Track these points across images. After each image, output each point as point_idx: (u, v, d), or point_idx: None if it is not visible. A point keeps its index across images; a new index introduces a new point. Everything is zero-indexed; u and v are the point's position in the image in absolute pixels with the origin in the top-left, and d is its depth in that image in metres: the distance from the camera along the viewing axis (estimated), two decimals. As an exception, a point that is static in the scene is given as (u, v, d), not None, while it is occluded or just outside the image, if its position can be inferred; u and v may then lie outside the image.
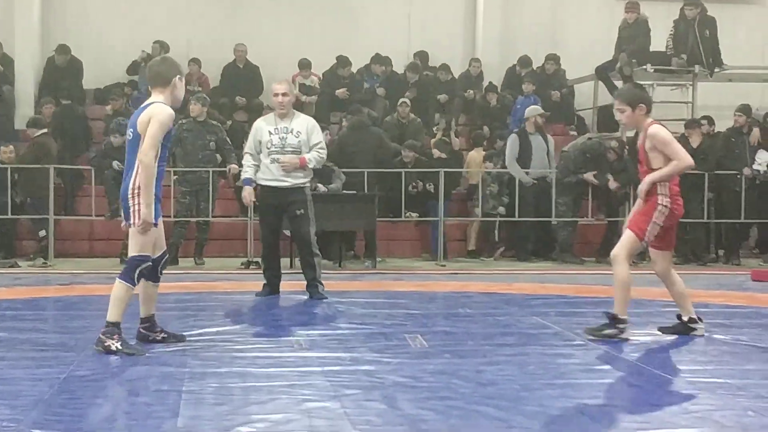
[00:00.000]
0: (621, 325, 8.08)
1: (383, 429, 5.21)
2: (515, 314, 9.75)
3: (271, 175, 10.63)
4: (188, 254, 15.32)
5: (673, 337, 8.32)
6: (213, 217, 15.49)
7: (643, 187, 8.08)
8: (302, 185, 10.71)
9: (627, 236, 8.12)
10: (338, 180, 15.10)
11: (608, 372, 7.09)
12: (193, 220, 15.16)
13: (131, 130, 7.53)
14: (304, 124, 10.71)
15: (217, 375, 6.59)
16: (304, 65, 19.20)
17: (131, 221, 7.42)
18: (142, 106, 7.66)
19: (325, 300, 10.53)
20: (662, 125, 8.24)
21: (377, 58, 19.66)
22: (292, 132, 10.60)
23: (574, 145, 16.43)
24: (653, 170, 8.02)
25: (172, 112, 7.51)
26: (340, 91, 18.92)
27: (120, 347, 7.32)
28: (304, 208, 10.68)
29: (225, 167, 15.24)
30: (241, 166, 11.80)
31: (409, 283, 12.75)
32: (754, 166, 16.01)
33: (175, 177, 14.98)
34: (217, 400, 5.84)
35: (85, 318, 9.32)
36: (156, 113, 7.38)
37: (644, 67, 18.41)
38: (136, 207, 7.37)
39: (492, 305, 10.53)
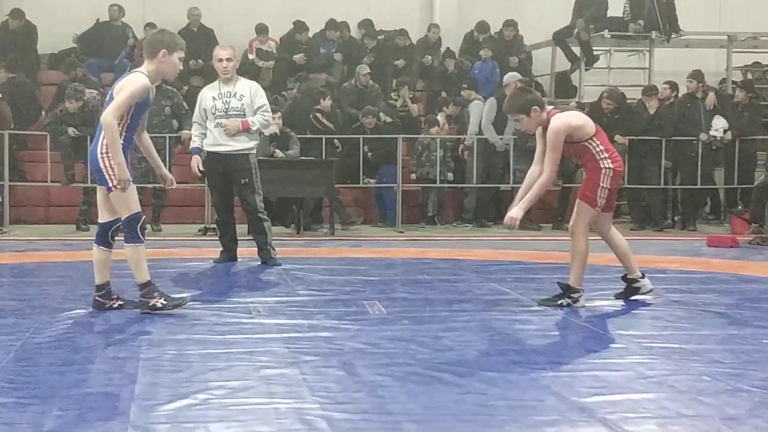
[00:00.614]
0: (575, 295, 8.11)
1: (342, 395, 5.22)
2: (473, 280, 9.78)
3: (215, 140, 10.59)
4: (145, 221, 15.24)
5: (630, 302, 8.37)
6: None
7: (515, 215, 7.95)
8: (246, 151, 10.66)
9: (580, 207, 8.10)
10: (295, 146, 15.05)
11: (565, 338, 7.13)
12: (150, 186, 15.07)
13: (111, 92, 7.57)
14: (247, 88, 10.68)
15: (175, 342, 6.57)
16: (261, 30, 19.07)
17: (108, 185, 7.43)
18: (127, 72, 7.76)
19: (280, 266, 10.52)
20: (563, 117, 7.99)
21: (331, 24, 19.58)
22: (235, 96, 10.57)
23: None
24: (586, 149, 8.01)
25: (146, 83, 7.43)
26: (298, 57, 18.82)
27: (165, 302, 7.53)
28: (248, 177, 10.65)
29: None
30: None
31: (367, 250, 12.75)
32: (711, 132, 16.07)
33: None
34: (175, 367, 5.82)
35: (42, 285, 9.28)
36: (131, 81, 7.41)
37: (601, 33, 18.47)
38: (109, 170, 7.38)
39: (450, 271, 10.56)
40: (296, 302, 8.26)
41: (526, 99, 8.06)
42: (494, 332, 7.05)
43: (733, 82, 18.32)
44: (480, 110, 16.53)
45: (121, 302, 7.80)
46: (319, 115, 15.94)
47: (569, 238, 8.19)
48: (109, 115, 7.30)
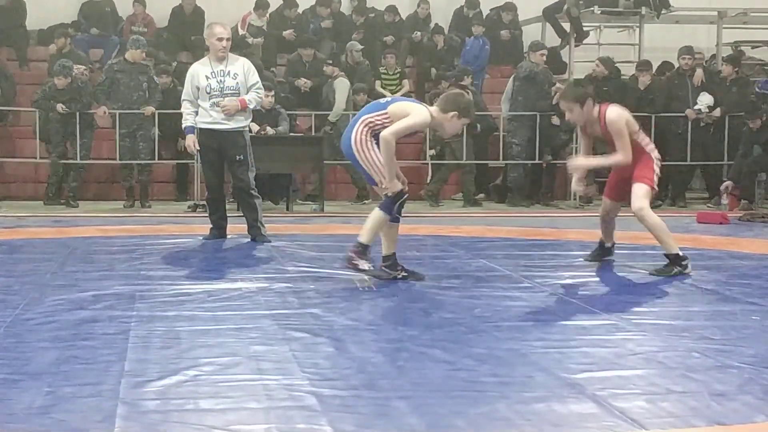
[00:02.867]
0: (684, 262, 8.54)
1: (331, 372, 5.23)
2: (463, 257, 9.78)
3: (211, 119, 10.54)
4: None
5: (619, 279, 8.40)
6: (158, 159, 15.44)
7: (584, 163, 8.47)
8: (242, 129, 10.66)
9: (640, 189, 8.45)
10: (285, 122, 15.04)
11: (554, 314, 7.13)
12: (134, 162, 15.10)
13: (388, 100, 8.10)
14: (240, 66, 10.63)
15: (165, 318, 6.57)
16: (261, 5, 18.86)
17: (373, 181, 7.97)
18: (410, 98, 8.41)
19: (269, 243, 10.52)
20: (617, 108, 8.51)
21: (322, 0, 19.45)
22: (229, 74, 10.52)
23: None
24: (635, 142, 8.43)
25: (426, 122, 7.88)
26: (288, 33, 18.74)
27: (370, 268, 8.00)
28: (243, 153, 10.64)
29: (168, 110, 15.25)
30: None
31: (357, 227, 12.66)
32: (695, 107, 16.05)
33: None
34: (165, 344, 5.83)
35: (31, 261, 9.26)
36: (417, 112, 7.78)
37: (591, 8, 18.43)
38: (370, 166, 7.84)
39: (440, 248, 10.55)
40: (286, 278, 8.26)
41: (585, 91, 8.60)
42: (484, 309, 7.05)
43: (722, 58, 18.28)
44: (345, 87, 16.39)
45: (405, 273, 8.15)
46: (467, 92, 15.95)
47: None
48: (390, 133, 7.64)
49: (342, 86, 16.34)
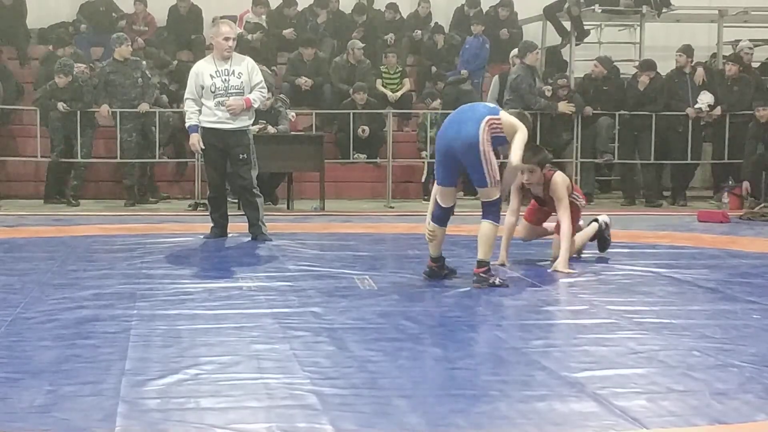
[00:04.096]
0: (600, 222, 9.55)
1: (332, 370, 5.23)
2: (463, 255, 9.74)
3: (216, 118, 10.53)
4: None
5: (620, 278, 8.40)
6: (159, 158, 15.45)
7: (563, 268, 8.63)
8: (246, 128, 10.67)
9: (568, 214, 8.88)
10: (285, 121, 15.03)
11: (555, 313, 7.14)
12: (138, 161, 15.11)
13: (491, 107, 8.33)
14: (244, 65, 10.62)
15: (166, 317, 6.57)
16: (260, 2, 18.81)
17: (486, 182, 7.86)
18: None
19: (270, 241, 10.52)
20: (563, 175, 9.09)
21: (319, 1, 19.39)
22: (233, 74, 10.51)
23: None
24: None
25: (527, 133, 8.02)
26: (288, 32, 18.72)
27: (501, 281, 7.95)
28: (246, 152, 10.65)
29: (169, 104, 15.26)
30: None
31: (357, 225, 12.74)
32: (696, 107, 16.02)
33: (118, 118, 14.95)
34: (166, 342, 5.83)
35: (32, 260, 9.26)
36: (522, 129, 7.95)
37: (592, 7, 18.40)
38: (487, 168, 7.82)
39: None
40: (286, 277, 8.26)
41: (547, 155, 9.07)
42: (484, 307, 7.06)
43: (724, 56, 18.26)
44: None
45: (447, 272, 8.28)
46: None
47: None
48: (517, 160, 7.92)
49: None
